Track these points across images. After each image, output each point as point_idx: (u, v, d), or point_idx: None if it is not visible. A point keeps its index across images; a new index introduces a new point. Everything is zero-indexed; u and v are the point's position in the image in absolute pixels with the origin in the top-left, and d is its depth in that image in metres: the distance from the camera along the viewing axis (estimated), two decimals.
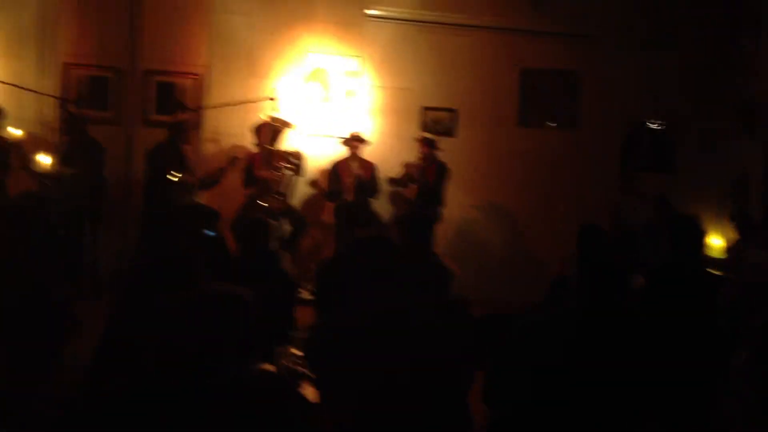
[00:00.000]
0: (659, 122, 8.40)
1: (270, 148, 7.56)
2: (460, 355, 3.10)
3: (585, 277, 3.01)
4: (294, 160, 7.68)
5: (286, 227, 7.62)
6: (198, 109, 7.72)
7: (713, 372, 3.14)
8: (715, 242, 8.03)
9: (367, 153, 7.90)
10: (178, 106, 7.56)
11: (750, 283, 6.29)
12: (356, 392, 2.68)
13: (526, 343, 2.89)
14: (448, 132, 8.36)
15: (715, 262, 7.38)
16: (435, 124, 8.37)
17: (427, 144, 7.80)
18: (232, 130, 7.95)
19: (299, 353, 3.18)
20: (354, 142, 7.78)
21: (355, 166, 7.73)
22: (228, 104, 7.70)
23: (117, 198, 7.65)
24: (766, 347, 2.13)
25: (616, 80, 8.46)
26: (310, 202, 8.25)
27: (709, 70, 8.53)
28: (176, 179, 6.81)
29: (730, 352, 3.14)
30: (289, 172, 7.67)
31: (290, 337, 3.21)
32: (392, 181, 7.98)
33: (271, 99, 7.68)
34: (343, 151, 7.87)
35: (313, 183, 8.20)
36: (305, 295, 6.16)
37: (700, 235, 4.52)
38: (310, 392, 2.84)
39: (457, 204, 8.10)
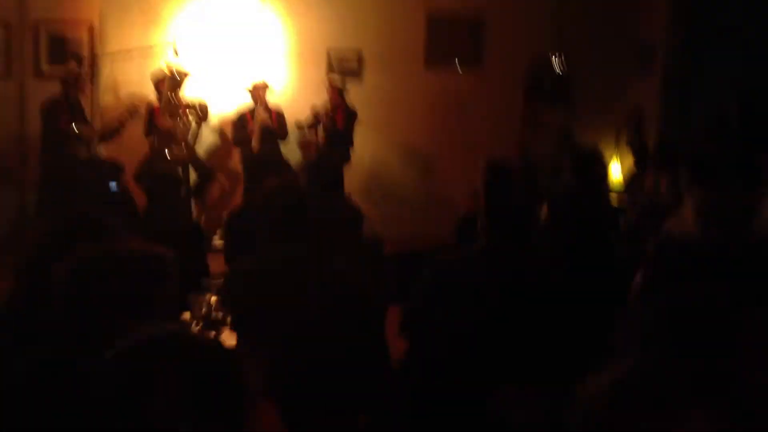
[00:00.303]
0: (561, 58, 8.57)
1: (171, 97, 7.36)
2: (374, 293, 3.15)
3: (491, 213, 3.09)
4: (197, 108, 7.52)
5: (193, 177, 7.50)
6: (93, 59, 7.42)
7: (614, 297, 3.28)
8: (616, 172, 8.36)
9: (273, 98, 7.79)
10: (71, 57, 7.24)
11: (646, 207, 6.60)
12: (273, 334, 2.70)
13: (440, 282, 2.97)
14: (354, 73, 8.31)
15: (616, 191, 7.71)
16: (341, 66, 8.29)
17: (335, 87, 7.74)
18: (130, 79, 7.69)
19: (215, 300, 3.18)
20: (259, 88, 7.65)
21: (261, 112, 7.61)
22: (124, 52, 7.43)
23: (11, 156, 7.34)
24: (658, 269, 2.24)
25: (519, 19, 8.56)
26: (216, 151, 8.11)
27: (608, 9, 8.74)
28: (74, 133, 6.57)
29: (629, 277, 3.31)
30: (192, 121, 7.51)
31: (204, 285, 3.20)
32: (301, 126, 7.91)
33: (169, 46, 7.44)
34: (248, 98, 7.73)
35: (219, 131, 8.05)
36: (217, 243, 6.11)
37: (602, 166, 4.70)
38: (228, 338, 2.86)
39: (366, 145, 8.11)
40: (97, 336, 1.71)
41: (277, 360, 2.62)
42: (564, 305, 2.99)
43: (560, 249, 3.32)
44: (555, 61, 8.58)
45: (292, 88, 8.09)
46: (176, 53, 7.48)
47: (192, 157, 7.45)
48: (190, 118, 7.49)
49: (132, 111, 6.97)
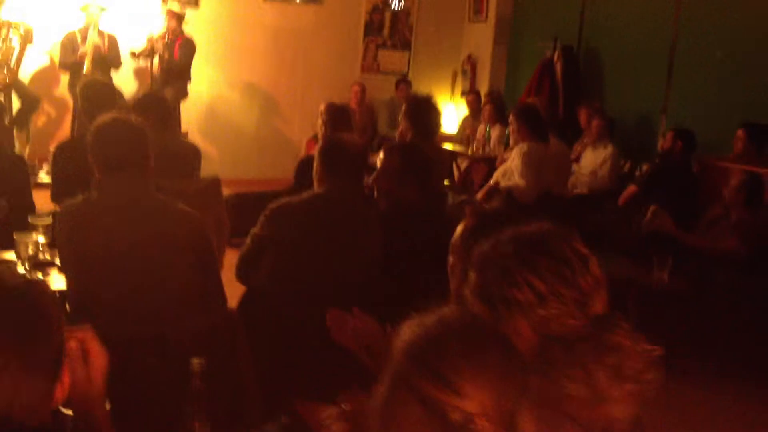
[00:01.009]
0: (399, 2, 8.70)
1: None
2: (206, 233, 3.14)
3: (324, 155, 3.16)
4: (21, 29, 7.02)
5: (17, 104, 7.06)
6: None
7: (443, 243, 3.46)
8: (450, 118, 8.67)
9: (107, 25, 7.39)
10: None
11: (477, 156, 6.95)
12: (97, 275, 2.65)
13: (278, 225, 3.03)
14: (192, 2, 8.03)
15: (449, 137, 8.02)
16: None
17: (173, 16, 7.45)
18: None
19: (43, 239, 3.07)
20: (93, 9, 7.23)
21: (94, 37, 7.22)
22: None
23: None
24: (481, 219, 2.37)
25: None
26: (42, 76, 7.64)
27: None
28: None
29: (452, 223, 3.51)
30: (15, 43, 7.01)
31: (31, 223, 3.08)
32: (136, 56, 7.58)
33: None
34: (79, 20, 7.30)
35: (46, 54, 7.57)
36: (42, 178, 5.82)
37: (436, 113, 4.88)
38: (56, 279, 2.79)
39: (205, 80, 7.93)
40: None
41: (101, 305, 2.59)
42: (396, 245, 3.13)
43: (392, 191, 3.43)
44: (393, 5, 8.70)
45: (129, 15, 7.70)
46: None
47: (14, 82, 6.98)
48: (12, 40, 6.98)
49: None
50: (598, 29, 7.40)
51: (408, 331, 1.11)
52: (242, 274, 3.12)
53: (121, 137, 2.73)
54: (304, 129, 8.04)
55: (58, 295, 2.50)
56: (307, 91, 8.46)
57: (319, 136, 4.88)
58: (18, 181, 3.94)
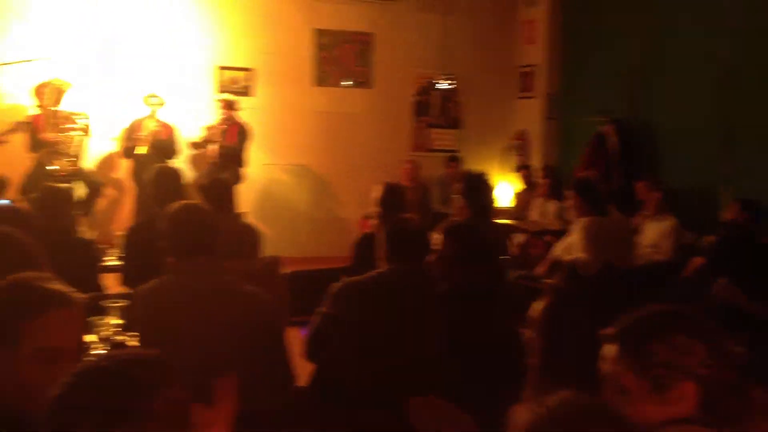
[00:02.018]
0: (448, 81, 8.87)
1: (53, 109, 7.14)
2: (275, 313, 3.18)
3: (391, 236, 3.20)
4: (80, 120, 7.32)
5: (81, 190, 7.28)
6: None
7: (506, 317, 3.43)
8: (504, 193, 8.70)
9: (163, 114, 7.67)
10: None
11: (535, 231, 6.93)
12: (171, 356, 2.68)
13: (346, 305, 3.05)
14: (245, 92, 8.31)
15: (503, 211, 8.03)
16: (232, 84, 8.28)
17: (227, 105, 7.72)
18: (11, 91, 7.40)
19: (117, 322, 3.13)
20: (152, 100, 7.53)
21: (153, 125, 7.49)
22: (4, 63, 7.17)
23: None
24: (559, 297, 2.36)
25: (408, 41, 8.82)
26: (104, 162, 7.92)
27: (493, 35, 9.15)
28: None
29: (520, 301, 3.49)
30: (77, 133, 7.30)
31: (104, 307, 3.14)
32: (194, 145, 7.83)
33: (51, 58, 7.23)
34: (140, 111, 7.59)
35: (107, 142, 7.85)
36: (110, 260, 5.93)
37: (490, 190, 4.91)
38: None
39: (259, 164, 8.11)
40: None
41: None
42: (460, 326, 3.12)
43: (453, 273, 3.44)
44: (442, 84, 8.86)
45: (183, 104, 7.98)
46: (57, 66, 7.27)
47: (78, 170, 7.23)
48: (74, 130, 7.27)
49: (16, 126, 6.71)
50: (649, 101, 7.43)
51: (528, 414, 1.11)
52: (312, 353, 3.13)
53: (195, 224, 2.82)
54: (357, 208, 8.13)
55: None
56: (359, 171, 8.59)
57: (374, 215, 4.93)
58: (88, 263, 4.05)
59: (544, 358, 2.11)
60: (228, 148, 7.64)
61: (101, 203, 7.73)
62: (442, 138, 9.12)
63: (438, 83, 8.88)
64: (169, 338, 2.67)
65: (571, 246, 4.84)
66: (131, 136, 7.51)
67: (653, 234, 6.00)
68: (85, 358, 1.81)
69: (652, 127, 7.35)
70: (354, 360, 2.98)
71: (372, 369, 2.93)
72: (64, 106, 7.21)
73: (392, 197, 4.86)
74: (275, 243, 7.55)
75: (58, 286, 1.85)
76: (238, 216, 4.87)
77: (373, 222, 5.01)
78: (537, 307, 2.09)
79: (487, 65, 9.13)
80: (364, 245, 4.75)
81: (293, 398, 2.95)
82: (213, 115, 7.83)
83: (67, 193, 4.54)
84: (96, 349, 2.89)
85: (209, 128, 7.78)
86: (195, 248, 2.80)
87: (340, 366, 3.03)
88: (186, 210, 2.91)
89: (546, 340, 2.06)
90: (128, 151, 7.53)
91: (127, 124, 7.60)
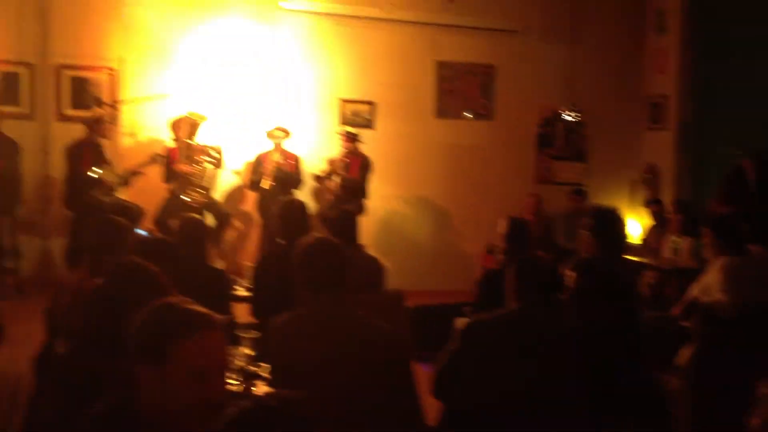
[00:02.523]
0: (573, 113, 8.69)
1: (188, 142, 7.46)
2: (404, 348, 3.16)
3: (521, 273, 3.14)
4: (213, 153, 7.62)
5: (210, 221, 7.55)
6: (115, 104, 7.53)
7: (636, 357, 3.29)
8: (633, 229, 8.40)
9: (288, 146, 7.88)
10: (95, 101, 7.36)
11: (668, 269, 6.64)
12: (313, 389, 2.71)
13: (476, 343, 3.00)
14: (367, 124, 8.43)
15: (633, 248, 7.75)
16: (354, 117, 8.42)
17: (350, 138, 7.85)
18: (148, 123, 7.81)
19: (249, 352, 3.19)
20: (277, 133, 7.74)
21: (277, 158, 7.71)
22: (144, 99, 7.57)
23: (34, 195, 7.41)
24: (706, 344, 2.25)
25: (532, 72, 8.73)
26: (231, 194, 8.19)
27: (621, 65, 8.93)
28: (98, 176, 6.64)
29: (647, 341, 3.34)
30: (209, 166, 7.60)
31: (237, 337, 3.21)
32: (317, 178, 7.99)
33: (187, 91, 7.58)
34: (266, 144, 7.82)
35: (236, 173, 8.13)
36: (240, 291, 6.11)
37: (622, 226, 4.74)
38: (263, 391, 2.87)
39: (380, 196, 8.18)
40: None
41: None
42: (591, 367, 3.01)
43: (585, 311, 3.34)
44: (567, 116, 8.69)
45: (305, 137, 8.18)
46: (193, 100, 7.61)
47: (209, 201, 7.51)
48: (206, 162, 7.58)
49: (153, 158, 7.05)
50: None
51: None
52: (440, 391, 3.09)
53: (328, 258, 2.87)
54: (478, 241, 8.06)
55: None
56: (481, 204, 8.53)
57: (498, 249, 4.86)
58: (219, 293, 4.16)
59: (694, 410, 1.99)
60: (350, 181, 7.76)
61: (229, 234, 7.98)
62: (567, 171, 8.93)
63: (563, 114, 8.73)
64: (303, 372, 2.70)
65: (709, 287, 4.59)
66: (257, 170, 7.74)
67: None
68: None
69: None
70: (485, 398, 2.92)
71: (503, 407, 2.86)
72: (199, 139, 7.54)
73: (518, 232, 4.77)
74: (396, 275, 7.58)
75: (204, 309, 1.94)
76: (362, 248, 4.90)
77: (498, 257, 4.94)
78: (684, 354, 1.97)
79: (615, 95, 8.90)
80: (489, 281, 4.69)
81: None
82: (335, 148, 7.97)
83: (203, 224, 4.70)
84: (229, 379, 2.95)
85: (332, 161, 7.93)
86: (328, 282, 2.84)
87: (472, 405, 2.97)
88: (319, 244, 2.96)
89: (696, 391, 1.94)
90: (254, 184, 7.76)
91: (252, 158, 7.85)
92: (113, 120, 7.50)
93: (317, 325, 2.78)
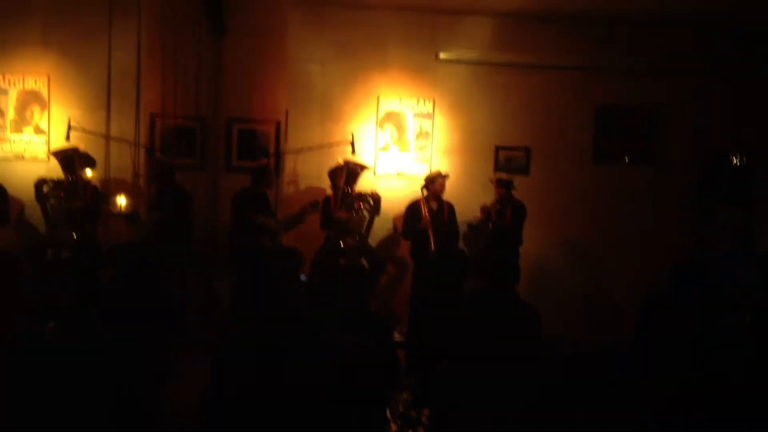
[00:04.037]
0: (739, 154, 8.32)
1: (346, 190, 7.73)
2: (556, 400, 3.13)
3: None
4: (370, 200, 7.86)
5: (365, 266, 7.75)
6: (279, 155, 7.95)
7: None
8: None
9: (447, 194, 7.99)
10: (261, 153, 7.81)
11: None
12: None
13: None
14: (521, 170, 8.43)
15: None
16: (508, 163, 8.45)
17: (503, 185, 7.85)
18: (309, 173, 8.19)
19: (408, 397, 3.26)
20: (433, 181, 7.86)
21: (433, 206, 7.83)
22: (306, 149, 7.94)
23: (203, 242, 7.90)
24: None
25: (693, 114, 8.47)
26: (385, 240, 8.38)
27: None
28: (262, 223, 7.01)
29: None
30: (365, 213, 7.84)
31: (401, 381, 3.29)
32: (470, 226, 8.02)
33: (349, 143, 7.89)
34: (420, 192, 7.97)
35: (390, 221, 8.32)
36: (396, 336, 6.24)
37: None
38: None
39: (533, 242, 8.11)
40: None
41: None
42: None
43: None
44: (733, 157, 8.33)
45: (460, 184, 8.27)
46: (353, 149, 7.90)
47: (364, 248, 7.72)
48: (364, 210, 7.83)
49: (313, 205, 7.35)
50: None
51: None
52: None
53: (494, 305, 2.89)
54: (634, 286, 7.81)
55: None
56: (636, 251, 8.30)
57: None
58: (383, 338, 4.27)
59: None
60: (504, 226, 7.73)
61: (384, 279, 8.15)
62: (731, 215, 8.51)
63: (728, 155, 8.36)
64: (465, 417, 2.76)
65: None
66: (413, 217, 7.88)
67: None
68: None
69: None
70: None
71: None
72: (356, 187, 7.81)
73: (684, 279, 4.60)
74: (549, 321, 7.46)
75: None
76: (516, 294, 4.89)
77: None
78: None
79: None
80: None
81: None
82: (489, 196, 8.00)
83: (362, 269, 4.87)
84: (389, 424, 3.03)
85: (486, 208, 7.95)
86: (491, 329, 2.86)
87: None
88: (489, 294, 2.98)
89: None
90: (409, 233, 7.90)
91: (407, 205, 8.01)
92: (276, 169, 7.91)
93: (483, 372, 2.81)
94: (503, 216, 7.78)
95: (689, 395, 2.88)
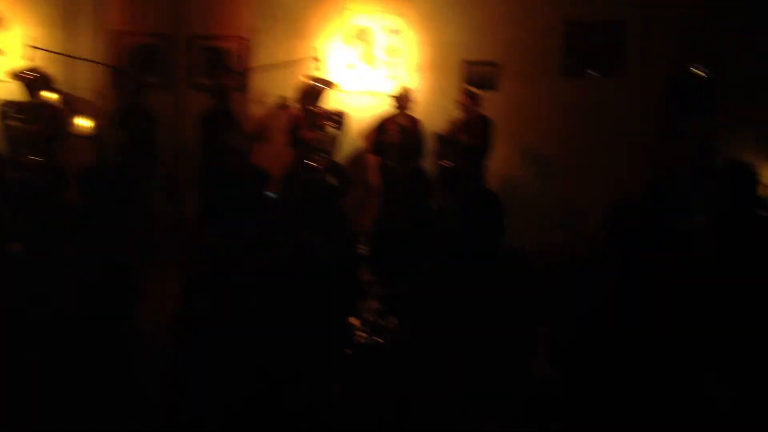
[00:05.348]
0: (704, 68, 8.34)
1: (313, 108, 7.65)
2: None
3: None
4: (337, 119, 7.80)
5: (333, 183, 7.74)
6: (244, 72, 7.81)
7: None
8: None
9: (411, 110, 7.94)
10: (224, 70, 7.67)
11: None
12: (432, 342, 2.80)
13: None
14: (490, 86, 8.37)
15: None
16: (477, 79, 8.37)
17: (469, 96, 7.80)
18: (277, 91, 8.06)
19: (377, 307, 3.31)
20: (402, 97, 7.80)
21: (401, 122, 7.79)
22: (273, 66, 7.80)
23: (168, 162, 7.82)
24: None
25: (662, 28, 8.40)
26: (353, 161, 8.36)
27: (753, 17, 8.45)
28: (229, 142, 6.95)
29: None
30: (332, 131, 7.79)
31: (370, 292, 3.33)
32: (440, 139, 8.00)
33: (315, 60, 7.77)
34: (388, 106, 7.90)
35: (356, 139, 8.27)
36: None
37: (755, 180, 4.58)
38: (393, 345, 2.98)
39: (501, 157, 8.13)
40: None
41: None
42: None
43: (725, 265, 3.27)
44: (699, 70, 8.34)
45: (429, 100, 8.21)
46: (318, 65, 7.79)
47: (331, 165, 7.70)
48: (330, 127, 7.77)
49: (281, 106, 7.24)
50: None
51: None
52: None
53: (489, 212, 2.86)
54: (603, 197, 7.89)
55: None
56: (604, 163, 8.37)
57: None
58: (353, 254, 4.30)
59: None
60: (472, 142, 7.73)
61: (350, 198, 8.16)
62: (696, 125, 8.59)
63: (693, 68, 8.37)
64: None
65: None
66: (379, 133, 7.85)
67: None
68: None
69: None
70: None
71: None
72: (322, 104, 7.72)
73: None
74: (519, 235, 7.54)
75: None
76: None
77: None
78: None
79: (746, 47, 8.41)
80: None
81: None
82: (457, 110, 7.96)
83: (327, 187, 4.86)
84: (359, 332, 3.08)
85: (455, 122, 7.91)
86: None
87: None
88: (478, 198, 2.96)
89: None
90: (376, 148, 7.88)
91: (374, 121, 7.96)
92: (242, 87, 7.79)
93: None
94: (471, 131, 7.75)
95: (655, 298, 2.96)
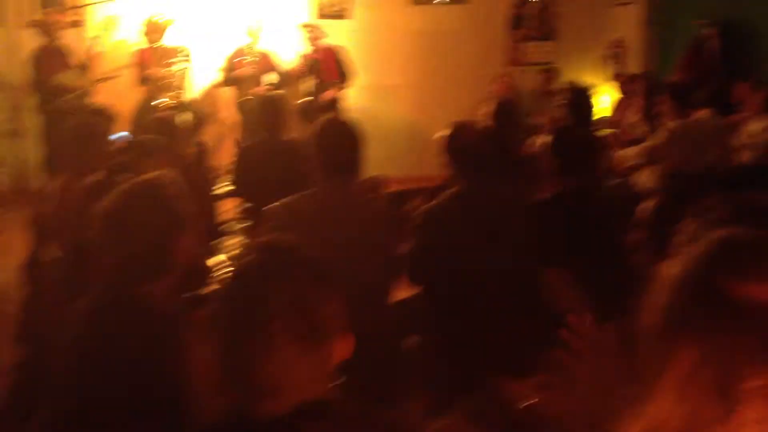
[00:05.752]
0: None
1: (157, 45, 7.41)
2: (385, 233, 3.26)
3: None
4: (182, 53, 7.59)
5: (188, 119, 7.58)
6: (79, 6, 7.41)
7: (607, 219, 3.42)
8: (602, 102, 8.53)
9: (265, 43, 7.82)
10: (55, 5, 7.25)
11: (628, 140, 6.84)
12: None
13: (436, 225, 3.18)
14: (344, 14, 8.35)
15: (601, 121, 7.90)
16: (331, 7, 8.33)
17: (312, 31, 7.78)
18: (119, 26, 7.71)
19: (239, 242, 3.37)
20: (253, 31, 7.68)
21: (254, 55, 7.68)
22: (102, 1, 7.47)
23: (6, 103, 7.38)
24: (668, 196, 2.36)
25: None
26: (206, 93, 8.18)
27: None
28: (65, 82, 6.63)
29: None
30: (179, 67, 7.58)
31: (228, 229, 3.36)
32: (292, 72, 7.95)
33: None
34: (240, 40, 7.76)
35: (207, 75, 8.09)
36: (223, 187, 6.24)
37: (592, 101, 4.91)
38: None
39: (354, 85, 8.20)
40: None
41: None
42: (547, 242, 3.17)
43: (555, 181, 3.47)
44: None
45: (281, 32, 8.11)
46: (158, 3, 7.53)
47: (183, 103, 7.52)
48: (178, 63, 7.55)
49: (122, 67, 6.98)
50: (754, 2, 7.08)
51: (679, 262, 1.05)
52: (415, 278, 3.25)
53: (347, 140, 2.92)
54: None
55: None
56: (454, 89, 8.59)
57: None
58: (207, 196, 4.30)
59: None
60: (324, 73, 7.73)
61: (207, 133, 8.01)
62: (538, 51, 8.99)
63: None
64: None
65: (656, 149, 4.79)
66: (232, 65, 7.71)
67: (755, 134, 5.77)
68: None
69: (757, 29, 7.02)
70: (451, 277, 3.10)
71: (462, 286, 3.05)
72: (167, 41, 7.48)
73: (506, 112, 4.88)
74: (375, 163, 7.68)
75: None
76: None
77: None
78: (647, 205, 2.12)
79: None
80: None
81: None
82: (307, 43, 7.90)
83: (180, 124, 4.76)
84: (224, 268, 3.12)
85: (306, 56, 7.86)
86: (344, 165, 2.89)
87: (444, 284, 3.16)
88: (337, 128, 2.98)
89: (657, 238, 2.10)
90: (230, 80, 7.75)
91: (227, 54, 7.79)
92: (78, 23, 7.40)
93: (327, 209, 2.85)
94: (324, 62, 7.75)
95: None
